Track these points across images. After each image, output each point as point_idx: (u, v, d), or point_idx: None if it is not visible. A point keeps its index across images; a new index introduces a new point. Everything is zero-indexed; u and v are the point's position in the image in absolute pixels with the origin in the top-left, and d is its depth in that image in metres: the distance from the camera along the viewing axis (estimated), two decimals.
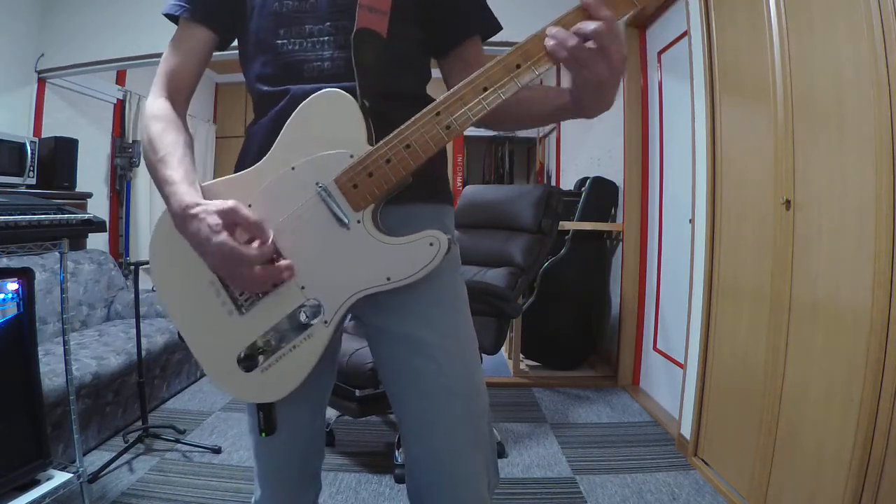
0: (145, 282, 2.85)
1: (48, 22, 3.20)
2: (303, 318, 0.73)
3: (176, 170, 0.72)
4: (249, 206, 0.72)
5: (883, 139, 1.18)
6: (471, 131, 0.69)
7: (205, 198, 0.71)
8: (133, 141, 4.10)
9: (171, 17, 0.84)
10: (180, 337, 0.78)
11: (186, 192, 0.70)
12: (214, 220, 0.67)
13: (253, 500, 0.90)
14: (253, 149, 0.80)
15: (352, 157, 0.70)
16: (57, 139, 3.18)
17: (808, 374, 1.44)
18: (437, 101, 0.68)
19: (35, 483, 1.47)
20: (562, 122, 4.70)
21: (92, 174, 3.78)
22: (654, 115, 2.83)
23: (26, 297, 1.50)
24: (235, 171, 0.79)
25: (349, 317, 0.83)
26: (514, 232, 2.42)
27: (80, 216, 1.68)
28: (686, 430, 2.12)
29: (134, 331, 2.13)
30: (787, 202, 1.52)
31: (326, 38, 0.78)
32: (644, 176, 2.92)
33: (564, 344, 3.17)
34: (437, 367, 0.78)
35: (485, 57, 0.83)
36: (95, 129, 3.90)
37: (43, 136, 3.24)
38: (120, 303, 2.89)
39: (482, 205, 2.61)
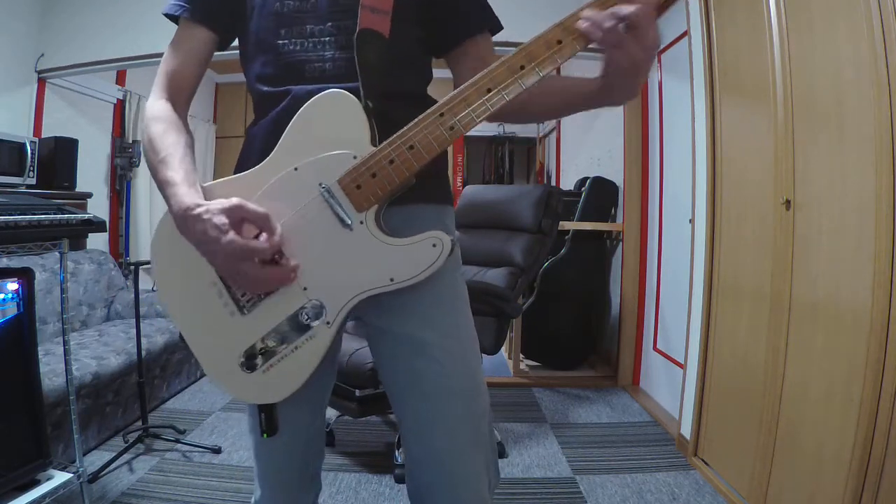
0: (145, 282, 2.85)
1: (48, 22, 3.20)
2: (305, 318, 0.73)
3: (177, 171, 0.72)
4: None
5: (883, 139, 1.19)
6: (471, 131, 0.69)
7: (206, 199, 0.71)
8: (133, 141, 4.09)
9: (171, 17, 0.84)
10: (182, 337, 0.78)
11: (187, 193, 0.70)
12: (221, 219, 0.67)
13: (253, 500, 0.90)
14: (255, 150, 0.80)
15: (355, 157, 0.70)
16: (57, 139, 3.18)
17: (808, 374, 1.44)
18: (441, 101, 0.69)
19: (35, 483, 1.47)
20: (562, 123, 4.71)
21: (92, 174, 3.78)
22: (654, 115, 2.83)
23: (26, 297, 1.50)
24: (236, 173, 0.78)
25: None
26: (514, 232, 2.43)
27: (80, 216, 1.67)
28: (686, 430, 2.12)
29: (134, 331, 2.13)
30: (787, 202, 1.52)
31: (328, 38, 0.78)
32: (644, 176, 2.92)
33: (564, 344, 3.17)
34: (439, 368, 0.78)
35: (493, 56, 0.83)
36: (95, 129, 3.89)
37: (43, 136, 3.24)
38: (120, 303, 2.89)
39: (482, 205, 2.61)
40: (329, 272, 0.72)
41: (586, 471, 1.99)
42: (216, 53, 0.86)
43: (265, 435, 0.77)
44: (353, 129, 0.71)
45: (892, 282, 1.18)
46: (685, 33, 2.22)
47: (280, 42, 0.79)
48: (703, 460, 1.98)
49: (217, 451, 2.08)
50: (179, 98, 0.83)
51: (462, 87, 0.68)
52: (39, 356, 1.54)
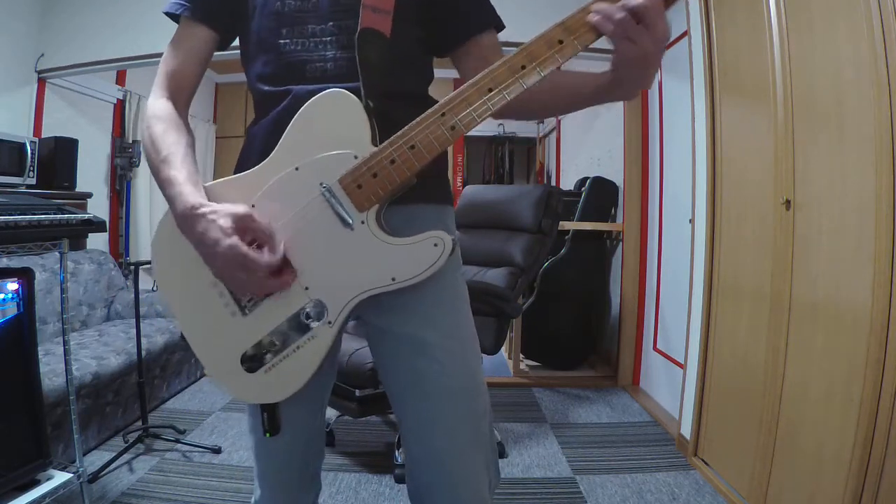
0: (145, 282, 2.86)
1: (48, 22, 3.19)
2: (306, 319, 0.73)
3: (180, 170, 0.72)
4: (252, 206, 0.72)
5: (883, 139, 1.19)
6: (471, 131, 0.69)
7: (207, 198, 0.71)
8: (133, 141, 4.09)
9: (172, 16, 0.84)
10: (182, 337, 0.78)
11: (191, 192, 0.70)
12: (227, 222, 0.67)
13: (253, 500, 0.90)
14: (255, 149, 0.80)
15: (356, 157, 0.70)
16: (57, 139, 3.18)
17: (808, 374, 1.44)
18: (442, 101, 0.69)
19: (35, 483, 1.47)
20: (562, 123, 4.71)
21: (92, 174, 3.77)
22: (654, 115, 2.83)
23: (26, 297, 1.50)
24: (236, 172, 0.78)
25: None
26: (514, 232, 2.43)
27: (80, 216, 1.67)
28: (686, 430, 2.12)
29: (134, 331, 2.13)
30: (787, 202, 1.52)
31: (329, 38, 0.78)
32: (644, 176, 2.93)
33: (564, 344, 3.17)
34: (439, 368, 0.78)
35: (498, 54, 0.83)
36: (95, 129, 3.89)
37: (43, 136, 3.23)
38: (120, 303, 2.89)
39: (482, 205, 2.61)
40: (330, 272, 0.72)
41: (586, 471, 1.99)
42: (216, 53, 0.86)
43: (268, 434, 0.77)
44: (354, 129, 0.71)
45: (892, 282, 1.18)
46: (685, 33, 2.22)
47: (281, 42, 0.79)
48: (703, 460, 1.98)
49: (217, 451, 2.08)
50: (180, 97, 0.83)
51: (463, 86, 0.68)
52: (39, 356, 1.54)
